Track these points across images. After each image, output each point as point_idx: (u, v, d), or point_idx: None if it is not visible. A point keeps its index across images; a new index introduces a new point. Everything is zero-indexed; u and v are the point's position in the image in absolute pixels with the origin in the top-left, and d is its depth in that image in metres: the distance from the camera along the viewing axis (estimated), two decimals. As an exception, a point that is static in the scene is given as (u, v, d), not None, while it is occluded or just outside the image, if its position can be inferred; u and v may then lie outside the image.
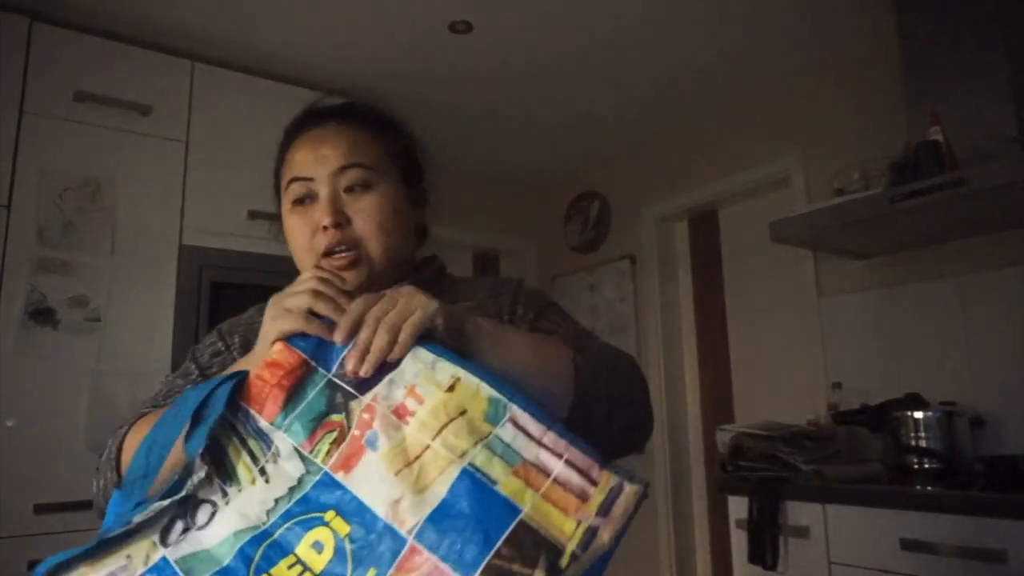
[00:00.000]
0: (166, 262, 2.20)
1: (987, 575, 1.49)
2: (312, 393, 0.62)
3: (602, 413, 0.71)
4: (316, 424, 0.61)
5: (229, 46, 2.47)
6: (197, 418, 0.62)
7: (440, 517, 0.52)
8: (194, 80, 2.36)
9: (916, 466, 1.92)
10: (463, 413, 0.57)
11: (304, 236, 0.81)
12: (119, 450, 0.75)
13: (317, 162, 0.81)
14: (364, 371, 0.60)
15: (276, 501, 0.58)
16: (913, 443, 1.95)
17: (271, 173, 0.91)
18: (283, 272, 0.82)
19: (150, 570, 0.58)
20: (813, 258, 2.61)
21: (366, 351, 0.61)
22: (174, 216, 2.25)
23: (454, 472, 0.54)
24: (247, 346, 0.85)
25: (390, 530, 0.53)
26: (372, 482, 0.56)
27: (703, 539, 3.16)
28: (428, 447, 0.56)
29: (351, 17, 2.33)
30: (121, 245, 2.14)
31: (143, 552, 0.59)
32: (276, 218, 0.89)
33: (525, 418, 0.56)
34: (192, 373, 0.87)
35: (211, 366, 0.86)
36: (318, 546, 0.55)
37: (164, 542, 0.59)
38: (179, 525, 0.60)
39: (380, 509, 0.54)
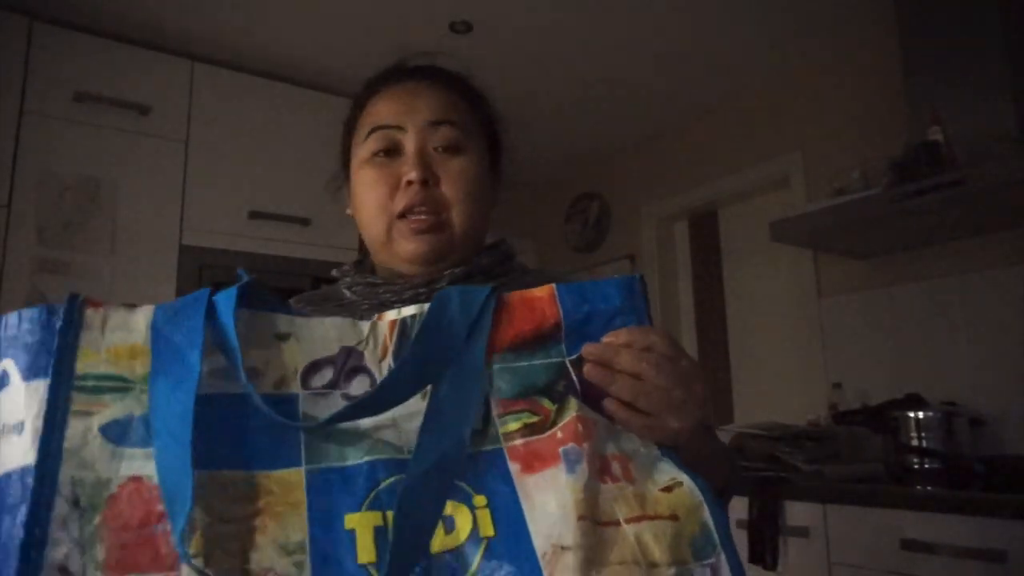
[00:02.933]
0: (166, 262, 2.20)
1: (987, 575, 1.49)
2: (538, 360, 0.50)
3: None
4: (524, 393, 0.49)
5: (229, 46, 2.46)
6: None
7: None
8: (194, 80, 2.35)
9: (916, 466, 1.92)
10: (674, 518, 0.45)
11: (380, 192, 0.72)
12: None
13: (408, 112, 0.73)
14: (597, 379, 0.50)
15: None
16: (913, 443, 1.94)
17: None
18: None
19: (276, 399, 0.45)
20: (813, 258, 2.60)
21: (613, 391, 0.50)
22: (174, 216, 2.25)
23: None
24: None
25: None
26: (547, 505, 0.44)
27: (703, 539, 3.15)
28: (617, 525, 0.44)
29: (351, 17, 2.32)
30: (121, 245, 2.13)
31: (280, 369, 0.47)
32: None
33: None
34: None
35: None
36: (450, 524, 0.44)
37: (305, 380, 0.47)
38: (327, 372, 0.48)
39: (539, 542, 0.43)
